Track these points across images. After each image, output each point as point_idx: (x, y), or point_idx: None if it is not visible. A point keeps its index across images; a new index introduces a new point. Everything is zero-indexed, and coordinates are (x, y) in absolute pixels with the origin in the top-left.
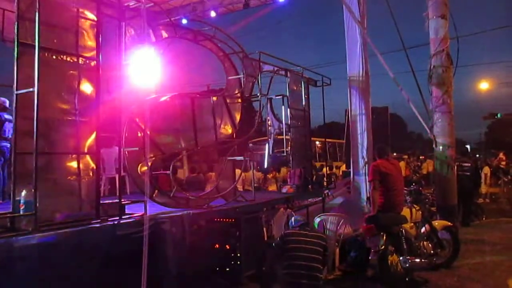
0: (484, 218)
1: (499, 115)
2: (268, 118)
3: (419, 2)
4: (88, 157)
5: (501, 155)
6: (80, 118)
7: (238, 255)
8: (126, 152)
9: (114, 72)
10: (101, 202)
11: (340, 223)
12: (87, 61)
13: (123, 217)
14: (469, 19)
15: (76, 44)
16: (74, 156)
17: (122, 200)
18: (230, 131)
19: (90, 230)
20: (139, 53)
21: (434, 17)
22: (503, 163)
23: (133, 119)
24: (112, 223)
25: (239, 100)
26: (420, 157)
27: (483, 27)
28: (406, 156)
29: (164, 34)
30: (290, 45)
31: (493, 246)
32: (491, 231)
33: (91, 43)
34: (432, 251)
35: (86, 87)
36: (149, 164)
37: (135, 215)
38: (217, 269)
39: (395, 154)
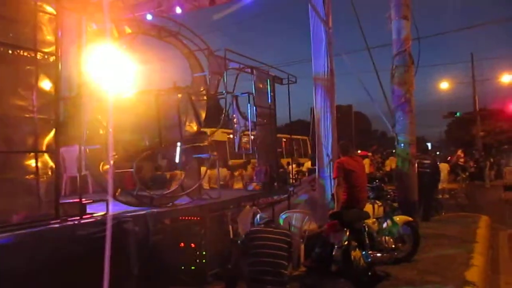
0: (443, 213)
1: (458, 114)
2: (234, 115)
3: (384, 2)
4: (46, 156)
5: (459, 152)
6: (38, 115)
7: (203, 253)
8: (87, 150)
9: (75, 68)
10: (61, 201)
11: (305, 220)
12: (46, 56)
13: (84, 216)
14: (431, 21)
15: (34, 39)
16: (32, 154)
17: (83, 199)
18: (195, 128)
19: (49, 230)
20: (101, 49)
21: (396, 18)
22: (461, 160)
23: (95, 117)
24: (72, 223)
25: (205, 98)
26: (384, 153)
27: (444, 28)
28: (370, 154)
29: (128, 30)
30: (257, 43)
31: (452, 240)
32: (450, 226)
33: (50, 37)
34: (393, 246)
35: (45, 84)
36: (112, 162)
37: (96, 214)
38: (182, 268)
39: (359, 151)
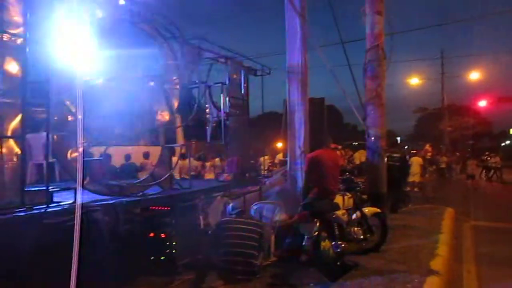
0: (410, 205)
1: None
2: (207, 105)
3: None
4: (12, 141)
5: (427, 146)
6: (3, 99)
7: (174, 243)
8: (55, 137)
9: (43, 51)
10: (26, 189)
11: (276, 211)
12: (13, 38)
13: (50, 205)
14: (404, 17)
15: (0, 19)
16: None
17: (50, 187)
18: (167, 117)
19: (13, 219)
20: (71, 32)
21: (371, 12)
22: (429, 154)
23: (63, 102)
24: (38, 211)
25: (177, 87)
26: (354, 143)
27: (417, 25)
28: (340, 147)
29: (99, 14)
30: (232, 33)
31: (418, 231)
32: (417, 217)
33: (17, 18)
34: (362, 236)
35: (12, 66)
36: (81, 150)
37: (63, 203)
38: (152, 258)
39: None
